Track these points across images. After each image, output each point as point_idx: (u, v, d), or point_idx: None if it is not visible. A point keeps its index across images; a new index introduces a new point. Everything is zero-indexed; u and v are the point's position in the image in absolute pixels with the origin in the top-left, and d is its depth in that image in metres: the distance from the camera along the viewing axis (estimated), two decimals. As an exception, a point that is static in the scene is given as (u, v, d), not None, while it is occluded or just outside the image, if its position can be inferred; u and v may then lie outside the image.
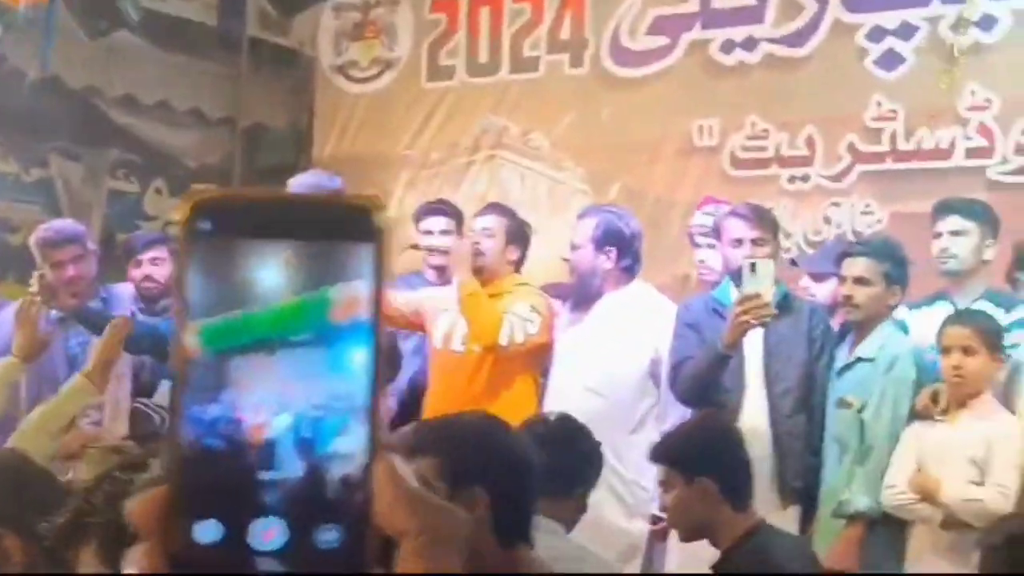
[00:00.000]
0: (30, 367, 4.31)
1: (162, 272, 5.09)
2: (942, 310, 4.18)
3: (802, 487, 4.11)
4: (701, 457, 3.16)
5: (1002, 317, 4.06)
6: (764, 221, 4.33)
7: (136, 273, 5.12)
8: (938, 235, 4.31)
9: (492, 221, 4.62)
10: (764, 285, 4.01)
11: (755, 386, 4.21)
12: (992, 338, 3.86)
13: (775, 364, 4.20)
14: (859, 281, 4.10)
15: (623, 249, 4.55)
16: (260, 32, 7.34)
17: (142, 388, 4.94)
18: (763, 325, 4.05)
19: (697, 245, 4.83)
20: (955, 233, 4.26)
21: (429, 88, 6.77)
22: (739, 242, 4.27)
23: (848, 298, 4.12)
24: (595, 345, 4.42)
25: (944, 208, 4.38)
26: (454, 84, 6.69)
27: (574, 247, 4.53)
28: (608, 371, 4.38)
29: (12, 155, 6.67)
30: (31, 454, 3.30)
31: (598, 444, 3.23)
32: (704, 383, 4.16)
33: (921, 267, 4.34)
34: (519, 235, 4.65)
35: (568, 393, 4.29)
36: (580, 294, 4.53)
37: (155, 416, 4.76)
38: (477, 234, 4.58)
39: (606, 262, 4.48)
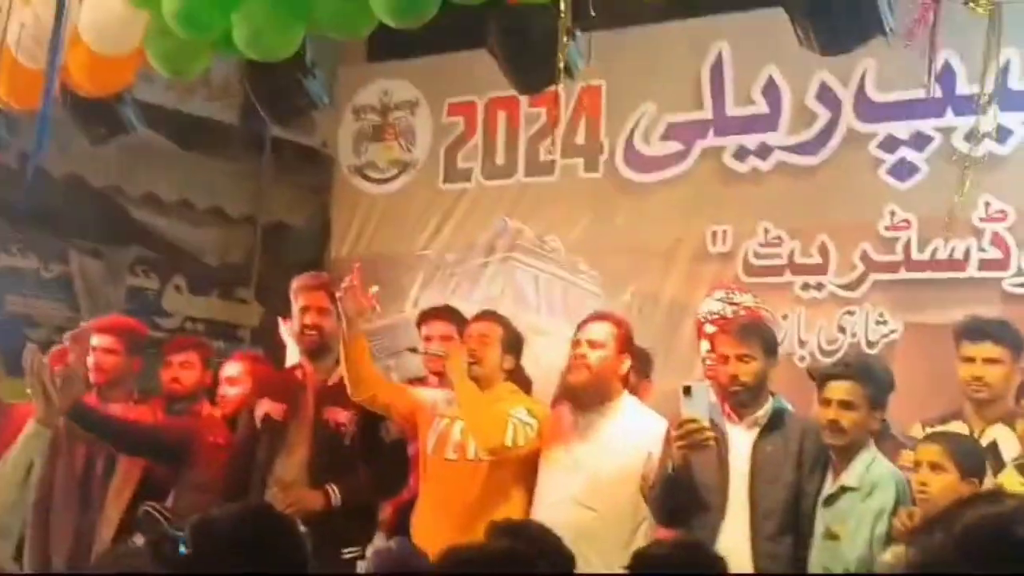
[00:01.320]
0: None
1: (190, 376, 5.13)
2: (956, 429, 4.10)
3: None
4: None
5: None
6: (750, 337, 4.23)
7: (166, 375, 5.17)
8: (969, 359, 4.21)
9: (488, 328, 4.61)
10: (699, 410, 3.96)
11: (738, 505, 4.12)
12: (964, 459, 3.73)
13: (760, 484, 4.09)
14: (844, 405, 3.96)
15: (634, 357, 4.55)
16: (282, 132, 7.44)
17: (152, 492, 4.95)
18: (702, 449, 3.98)
19: (705, 335, 4.71)
20: (990, 361, 4.17)
21: (446, 190, 6.82)
22: (724, 359, 4.21)
23: (834, 422, 3.97)
24: (597, 454, 4.37)
25: (976, 333, 4.24)
26: (471, 186, 6.74)
27: (593, 344, 4.44)
28: (601, 484, 4.33)
29: (32, 251, 6.76)
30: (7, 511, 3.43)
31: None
32: (667, 506, 4.10)
33: (937, 382, 4.27)
34: (514, 344, 4.63)
35: (559, 506, 4.25)
36: (596, 396, 4.46)
37: (163, 521, 4.74)
38: (474, 340, 4.56)
39: (622, 367, 4.46)
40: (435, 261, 6.79)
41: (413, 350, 5.26)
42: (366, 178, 7.11)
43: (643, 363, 4.84)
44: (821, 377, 4.12)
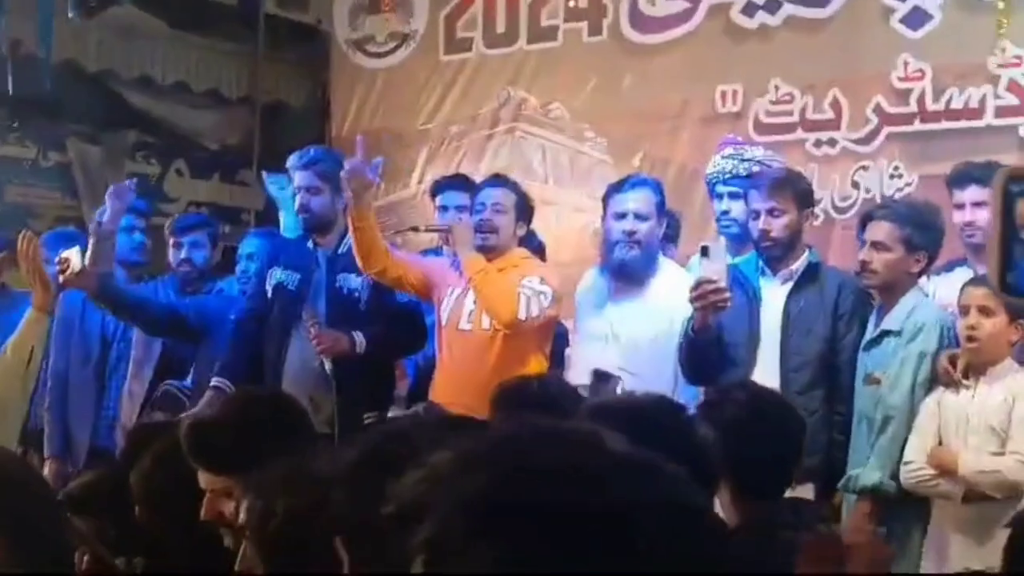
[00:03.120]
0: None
1: (201, 256, 5.08)
2: (963, 275, 4.03)
3: (817, 464, 3.87)
4: None
5: None
6: (782, 190, 4.14)
7: (174, 255, 5.12)
8: (959, 206, 4.16)
9: (503, 196, 4.51)
10: (718, 269, 3.89)
11: (770, 359, 4.07)
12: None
13: (793, 337, 4.04)
14: (877, 246, 3.90)
15: (668, 220, 4.49)
16: (276, 9, 7.27)
17: (173, 371, 4.95)
18: (720, 309, 3.92)
19: (718, 196, 4.60)
20: (977, 204, 4.10)
21: (447, 61, 6.68)
22: (756, 214, 4.12)
23: (865, 263, 3.92)
24: (642, 320, 4.31)
25: (963, 178, 4.19)
26: (472, 56, 6.59)
27: (639, 216, 4.35)
28: (642, 348, 4.28)
29: (30, 140, 6.65)
30: (9, 396, 3.42)
31: None
32: (693, 364, 4.05)
33: (953, 232, 4.19)
34: (526, 210, 4.55)
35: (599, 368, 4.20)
36: (641, 267, 4.37)
37: (184, 400, 4.74)
38: (487, 209, 4.47)
39: (660, 233, 4.39)
40: (439, 135, 6.69)
41: (415, 229, 5.20)
42: (364, 52, 6.97)
43: (673, 227, 4.76)
44: (861, 219, 4.07)
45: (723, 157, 4.67)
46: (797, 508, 2.97)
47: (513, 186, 4.60)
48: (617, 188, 4.44)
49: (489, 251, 4.43)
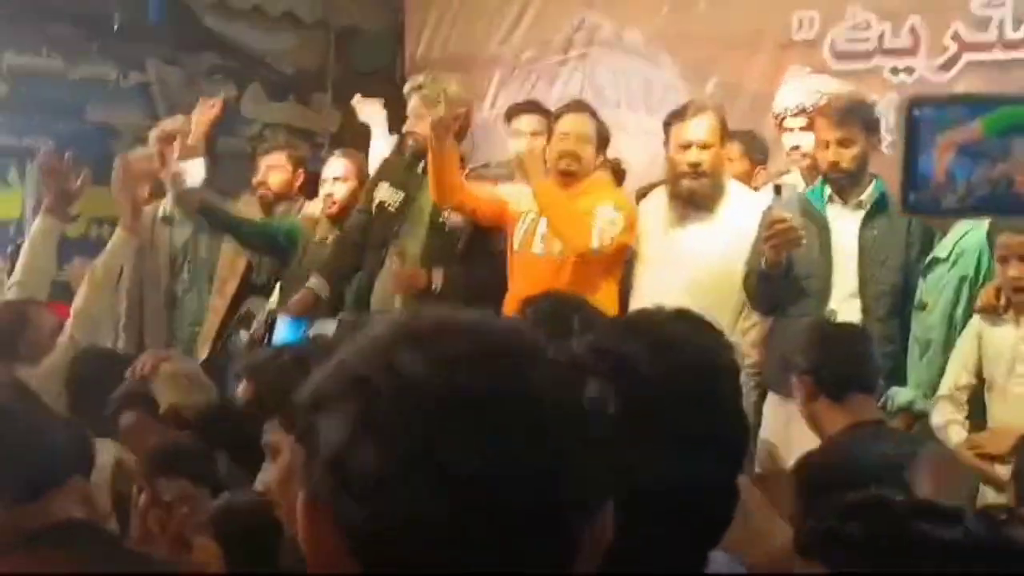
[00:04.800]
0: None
1: (278, 179, 5.15)
2: None
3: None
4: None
5: None
6: (850, 120, 4.12)
7: (256, 178, 5.20)
8: None
9: (586, 124, 4.51)
10: (789, 208, 3.90)
11: (846, 288, 4.09)
12: None
13: (870, 267, 4.07)
14: None
15: (748, 142, 4.51)
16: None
17: (256, 289, 5.04)
18: (794, 247, 3.92)
19: (787, 129, 4.61)
20: None
21: (521, -14, 6.66)
22: (825, 144, 4.11)
23: None
24: (708, 248, 4.34)
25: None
26: (546, -19, 6.57)
27: (704, 145, 4.35)
28: (707, 275, 4.31)
29: (111, 60, 6.76)
30: (96, 312, 3.55)
31: None
32: (765, 296, 4.08)
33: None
34: (604, 136, 4.56)
35: (663, 296, 4.22)
36: (709, 196, 4.39)
37: (261, 322, 4.82)
38: (572, 138, 4.48)
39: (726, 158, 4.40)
40: (512, 60, 6.69)
41: (485, 166, 5.21)
42: (439, -24, 6.97)
43: (757, 149, 4.76)
44: None
45: (790, 90, 4.66)
46: None
47: (591, 112, 4.62)
48: (679, 116, 4.45)
49: (570, 178, 4.46)
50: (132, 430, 2.86)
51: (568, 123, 4.52)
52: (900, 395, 3.88)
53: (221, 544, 1.96)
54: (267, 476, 1.87)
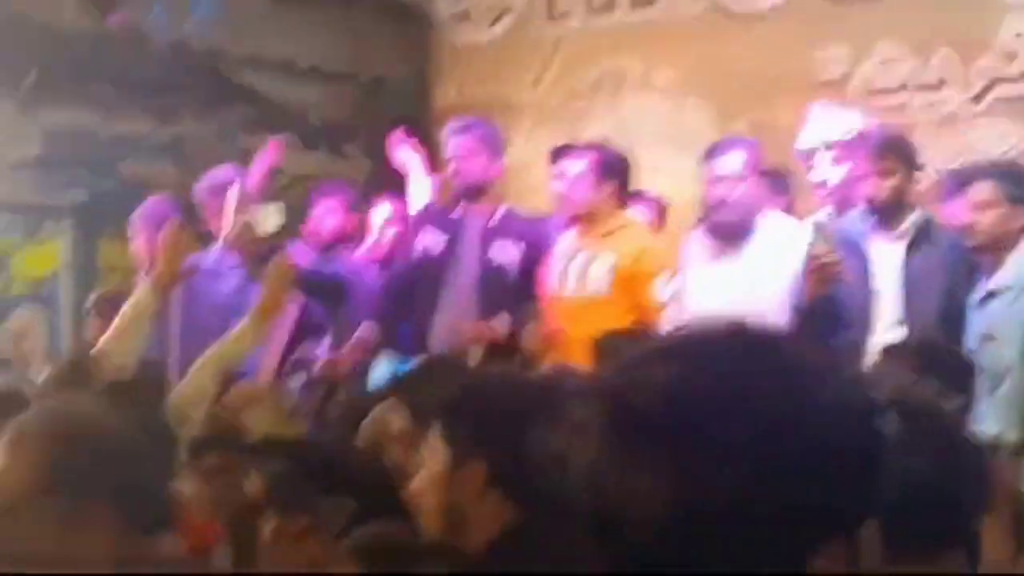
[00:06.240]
0: (163, 301, 4.35)
1: (331, 223, 5.17)
2: None
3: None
4: None
5: None
6: (889, 151, 4.16)
7: (310, 221, 5.23)
8: None
9: (570, 165, 4.54)
10: (828, 242, 3.92)
11: (889, 319, 4.10)
12: None
13: (914, 297, 4.09)
14: (982, 205, 3.94)
15: (772, 178, 4.53)
16: (377, -16, 7.39)
17: (308, 332, 5.05)
18: (835, 281, 3.94)
19: (812, 167, 4.62)
20: None
21: (547, 31, 6.73)
22: (864, 176, 4.14)
23: (971, 225, 3.97)
24: (747, 277, 4.36)
25: None
26: (574, 25, 6.65)
27: (733, 179, 4.37)
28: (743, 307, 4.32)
29: (144, 116, 6.83)
30: (194, 401, 3.37)
31: None
32: (807, 329, 4.09)
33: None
34: (608, 168, 4.56)
35: None
36: (738, 227, 4.41)
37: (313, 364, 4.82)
38: (561, 180, 4.53)
39: (759, 191, 4.42)
40: (540, 106, 6.75)
41: None
42: (464, 26, 7.05)
43: (779, 183, 4.79)
44: (958, 182, 4.08)
45: (816, 126, 4.70)
46: None
47: (592, 150, 4.64)
48: (711, 152, 4.50)
49: (574, 221, 4.50)
50: (216, 470, 2.86)
51: (560, 167, 4.57)
52: (984, 428, 3.82)
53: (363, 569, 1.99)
54: (418, 482, 1.95)
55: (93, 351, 3.67)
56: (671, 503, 0.93)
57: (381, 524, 2.14)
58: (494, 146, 4.63)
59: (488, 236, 4.66)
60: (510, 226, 4.67)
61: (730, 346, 0.99)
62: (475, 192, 4.66)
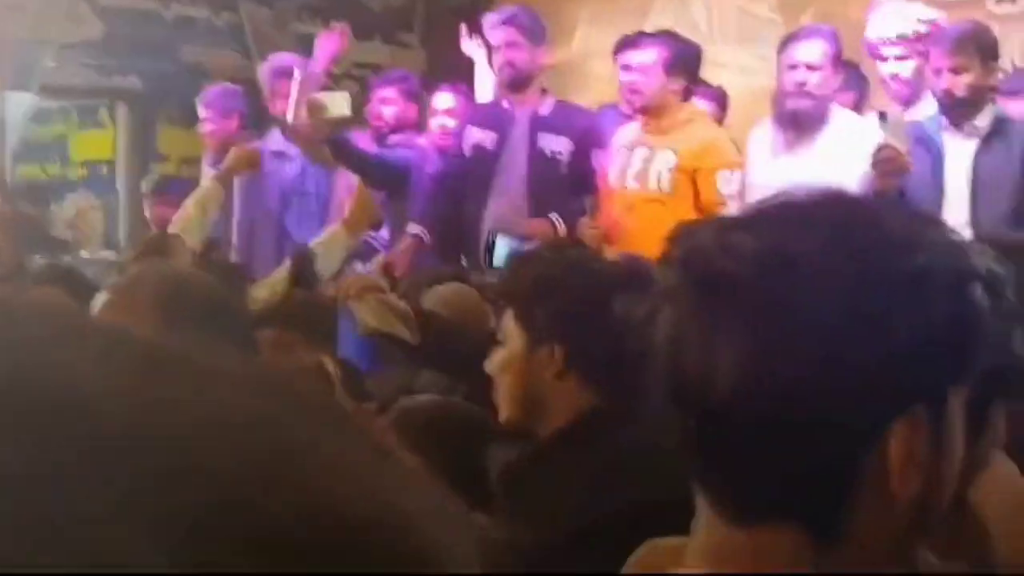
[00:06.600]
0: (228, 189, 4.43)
1: (391, 112, 5.14)
2: None
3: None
4: None
5: None
6: (964, 46, 4.06)
7: (371, 109, 5.21)
8: None
9: (645, 56, 4.46)
10: (896, 135, 3.84)
11: (957, 217, 4.03)
12: None
13: (984, 193, 4.02)
14: None
15: (845, 71, 4.44)
16: None
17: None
18: (902, 173, 3.86)
19: (882, 58, 4.53)
20: None
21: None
22: (938, 71, 4.04)
23: None
24: (816, 170, 4.29)
25: None
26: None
27: (812, 67, 4.28)
28: None
29: (201, 0, 6.79)
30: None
31: None
32: None
33: None
34: (680, 64, 4.47)
35: None
36: (812, 117, 4.31)
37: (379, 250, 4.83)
38: (633, 71, 4.45)
39: (836, 83, 4.34)
40: (601, -6, 6.64)
41: None
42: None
43: (851, 77, 4.69)
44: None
45: (885, 17, 4.57)
46: None
47: (662, 41, 4.55)
48: (790, 39, 4.41)
49: (643, 112, 4.45)
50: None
51: (624, 57, 4.50)
52: None
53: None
54: (495, 360, 1.96)
55: (170, 229, 3.79)
56: (754, 373, 0.91)
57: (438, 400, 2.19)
58: (536, 35, 4.55)
59: (537, 127, 4.62)
60: (560, 118, 4.62)
61: (829, 214, 0.96)
62: (523, 83, 4.62)
